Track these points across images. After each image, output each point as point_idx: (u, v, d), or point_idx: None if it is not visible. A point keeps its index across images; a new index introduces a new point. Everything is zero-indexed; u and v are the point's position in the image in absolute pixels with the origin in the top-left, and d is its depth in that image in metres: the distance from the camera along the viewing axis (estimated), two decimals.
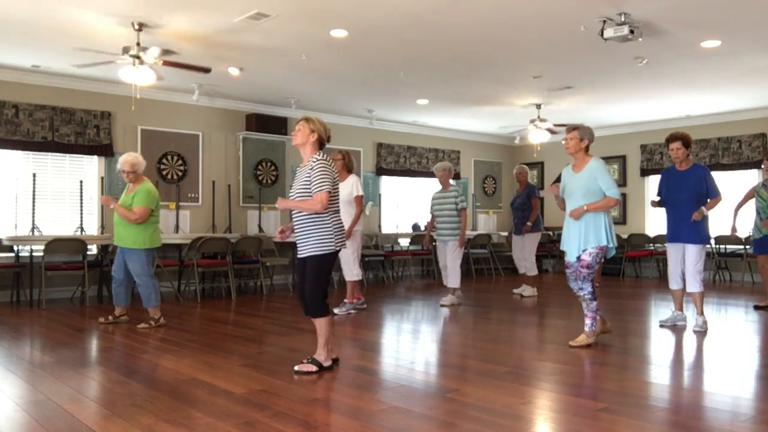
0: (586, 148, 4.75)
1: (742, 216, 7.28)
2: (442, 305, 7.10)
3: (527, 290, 8.01)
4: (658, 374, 4.00)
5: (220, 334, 5.40)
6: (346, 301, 6.66)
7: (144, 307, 5.83)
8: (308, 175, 3.92)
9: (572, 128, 4.78)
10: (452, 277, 7.15)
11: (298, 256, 4.00)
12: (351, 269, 6.60)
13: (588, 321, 4.76)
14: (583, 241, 4.63)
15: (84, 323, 6.04)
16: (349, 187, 6.40)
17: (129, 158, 5.74)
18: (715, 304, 7.12)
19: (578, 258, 4.66)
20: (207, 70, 6.43)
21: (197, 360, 4.34)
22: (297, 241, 4.00)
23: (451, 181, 7.31)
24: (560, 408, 3.28)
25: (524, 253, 8.03)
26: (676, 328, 5.56)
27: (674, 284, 5.61)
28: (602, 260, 4.76)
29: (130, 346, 4.87)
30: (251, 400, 3.37)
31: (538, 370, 4.15)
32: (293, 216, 4.01)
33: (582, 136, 4.71)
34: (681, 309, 5.66)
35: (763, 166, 6.76)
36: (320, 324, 3.99)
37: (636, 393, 3.48)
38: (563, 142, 4.97)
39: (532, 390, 3.61)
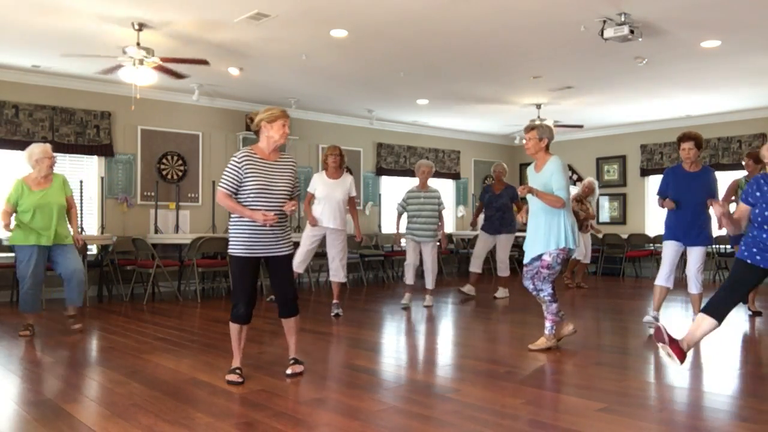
0: (546, 147, 4.62)
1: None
2: (427, 306, 7.00)
3: (500, 291, 7.85)
4: (658, 374, 4.00)
5: (220, 334, 5.39)
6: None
7: (68, 305, 5.48)
8: (293, 172, 3.87)
9: (530, 128, 4.63)
10: (432, 277, 7.05)
11: (280, 253, 3.80)
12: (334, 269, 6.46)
13: (548, 324, 4.62)
14: (544, 243, 4.49)
15: (84, 323, 6.03)
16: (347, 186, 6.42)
17: (48, 146, 5.44)
18: None
19: (539, 257, 4.55)
20: (205, 63, 6.36)
21: (197, 360, 4.34)
22: (278, 239, 3.79)
23: (430, 183, 7.10)
24: (560, 408, 3.28)
25: (500, 254, 7.80)
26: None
27: (666, 281, 5.35)
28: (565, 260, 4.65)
29: (130, 346, 4.87)
30: (251, 400, 3.37)
31: (538, 370, 4.15)
32: (278, 214, 3.81)
33: (541, 135, 4.58)
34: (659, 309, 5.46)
35: (744, 163, 6.42)
36: (298, 320, 3.98)
37: (636, 393, 3.48)
38: (523, 142, 4.81)
39: (532, 390, 3.61)
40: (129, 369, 4.08)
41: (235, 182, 3.67)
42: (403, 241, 7.24)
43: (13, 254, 7.47)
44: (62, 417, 3.07)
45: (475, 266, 7.92)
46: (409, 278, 7.07)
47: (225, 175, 3.71)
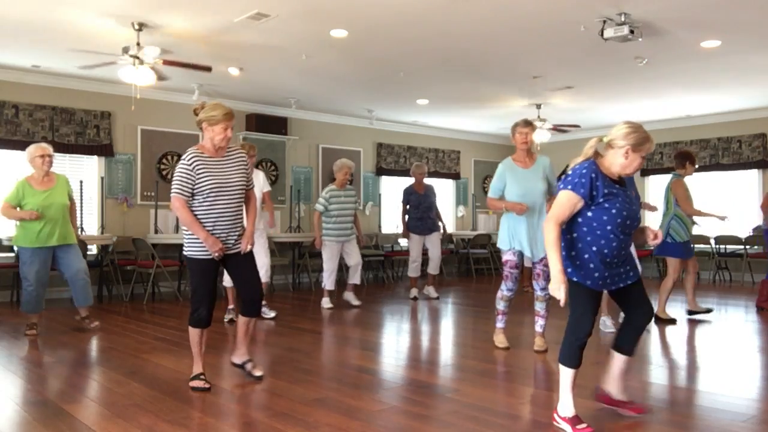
0: None
1: (746, 214, 7.22)
2: (356, 305, 7.07)
3: (433, 291, 7.85)
4: (658, 374, 4.00)
5: (220, 334, 5.39)
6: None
7: (78, 306, 5.50)
8: (244, 164, 3.71)
9: (528, 123, 4.64)
10: (360, 274, 7.12)
11: (234, 250, 3.67)
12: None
13: (543, 322, 4.67)
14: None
15: (84, 323, 6.03)
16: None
17: (42, 145, 5.41)
18: (715, 304, 7.12)
19: (542, 259, 4.55)
20: (208, 69, 6.42)
21: None
22: (232, 237, 3.65)
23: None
24: None
25: (436, 252, 7.73)
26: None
27: None
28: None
29: (130, 346, 4.87)
30: (251, 400, 3.37)
31: (538, 370, 4.15)
32: (236, 212, 3.65)
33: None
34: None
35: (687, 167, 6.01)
36: (255, 323, 3.96)
37: (635, 393, 3.48)
38: (518, 136, 4.62)
39: (531, 390, 3.62)
40: (129, 369, 4.09)
41: (189, 186, 3.51)
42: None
43: (12, 254, 7.52)
44: (62, 417, 3.07)
45: (416, 271, 7.73)
46: (331, 283, 6.98)
47: (177, 179, 3.51)
